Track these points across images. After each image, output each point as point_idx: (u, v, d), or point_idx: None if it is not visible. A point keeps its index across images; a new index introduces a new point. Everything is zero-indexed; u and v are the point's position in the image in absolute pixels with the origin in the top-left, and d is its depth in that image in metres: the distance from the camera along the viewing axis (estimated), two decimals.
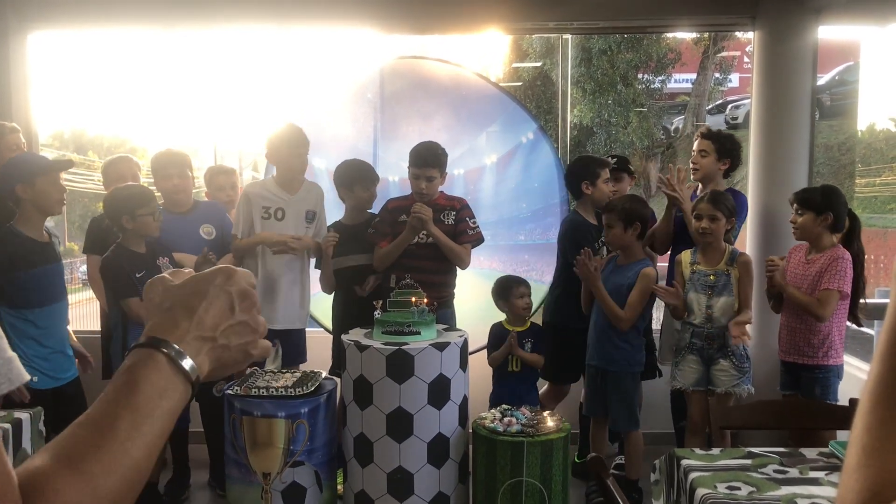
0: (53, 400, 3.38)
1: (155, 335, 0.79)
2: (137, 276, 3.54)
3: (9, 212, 3.47)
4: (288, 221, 4.04)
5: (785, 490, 2.14)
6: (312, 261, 4.21)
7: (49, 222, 3.62)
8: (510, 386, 4.02)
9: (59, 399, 3.43)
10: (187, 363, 0.79)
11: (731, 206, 3.81)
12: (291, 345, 4.11)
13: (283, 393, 3.47)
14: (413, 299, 3.60)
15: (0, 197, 3.44)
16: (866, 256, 3.97)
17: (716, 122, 18.94)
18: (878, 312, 6.72)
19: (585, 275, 3.90)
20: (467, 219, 4.05)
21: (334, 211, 4.31)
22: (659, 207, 4.62)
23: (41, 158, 3.54)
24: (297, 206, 4.06)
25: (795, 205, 3.78)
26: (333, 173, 4.23)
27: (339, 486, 3.82)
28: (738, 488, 2.13)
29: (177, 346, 0.79)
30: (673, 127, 21.24)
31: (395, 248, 3.97)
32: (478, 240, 4.09)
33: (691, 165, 4.29)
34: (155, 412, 0.76)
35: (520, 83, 18.19)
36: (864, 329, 6.79)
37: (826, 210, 3.70)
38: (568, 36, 5.15)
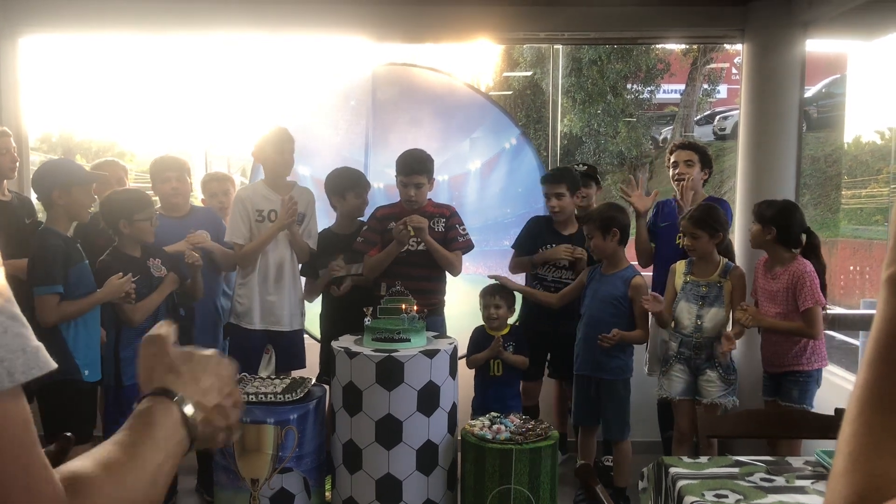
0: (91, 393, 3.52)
1: (169, 388, 0.94)
2: (132, 280, 3.54)
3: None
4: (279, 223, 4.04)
5: (772, 498, 2.16)
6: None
7: None
8: (494, 390, 4.03)
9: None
10: (193, 416, 0.93)
11: (714, 221, 3.81)
12: (289, 349, 4.11)
13: (273, 399, 3.48)
14: (403, 306, 3.61)
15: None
16: (852, 268, 4.01)
17: (704, 133, 19.08)
18: (863, 323, 6.78)
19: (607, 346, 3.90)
20: (457, 226, 4.07)
21: (323, 219, 4.31)
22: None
23: (79, 168, 3.67)
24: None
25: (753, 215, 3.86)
26: (325, 181, 4.24)
27: (328, 493, 3.81)
28: (726, 496, 2.15)
29: (187, 401, 0.93)
30: (661, 137, 21.37)
31: (385, 257, 3.97)
32: (468, 246, 4.10)
33: (677, 177, 4.31)
34: (168, 448, 0.89)
35: (510, 92, 18.26)
36: (849, 339, 6.86)
37: (770, 224, 3.74)
38: (559, 46, 5.19)
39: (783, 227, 3.75)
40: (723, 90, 22.21)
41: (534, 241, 4.27)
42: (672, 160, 4.36)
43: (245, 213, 4.03)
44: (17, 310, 0.70)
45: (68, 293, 3.36)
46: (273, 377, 3.76)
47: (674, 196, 4.33)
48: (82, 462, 0.80)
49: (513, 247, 4.38)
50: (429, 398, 3.46)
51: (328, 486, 3.81)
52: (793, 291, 3.69)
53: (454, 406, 3.61)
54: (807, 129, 17.38)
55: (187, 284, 3.82)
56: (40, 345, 0.71)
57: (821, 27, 4.71)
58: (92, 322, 3.51)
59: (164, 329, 1.03)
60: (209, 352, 1.01)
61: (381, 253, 3.98)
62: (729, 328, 3.83)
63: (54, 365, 0.72)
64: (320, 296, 4.27)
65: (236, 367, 1.04)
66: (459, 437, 3.60)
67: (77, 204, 3.45)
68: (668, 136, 21.01)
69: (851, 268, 12.72)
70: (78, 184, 3.44)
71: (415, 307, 3.62)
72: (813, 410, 3.61)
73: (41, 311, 3.28)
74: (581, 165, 4.60)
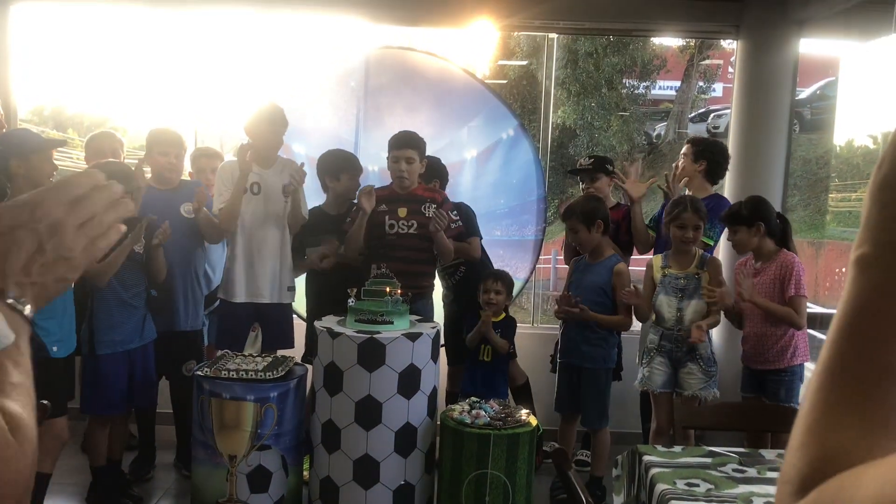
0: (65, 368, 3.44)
1: None
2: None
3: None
4: (264, 195, 4.03)
5: (742, 489, 2.18)
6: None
7: None
8: (482, 375, 4.05)
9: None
10: (16, 303, 0.80)
11: (705, 213, 3.88)
12: (275, 328, 4.08)
13: (253, 376, 3.48)
14: (387, 289, 3.62)
15: None
16: (838, 269, 4.07)
17: (697, 131, 19.08)
18: None
19: (571, 318, 3.95)
20: (449, 212, 4.06)
21: (313, 199, 4.30)
22: (651, 209, 4.68)
23: (36, 136, 3.54)
24: (272, 180, 4.05)
25: (726, 223, 3.86)
26: (317, 162, 4.23)
27: (305, 472, 3.83)
28: (697, 485, 2.17)
29: (3, 290, 0.80)
30: (655, 133, 21.37)
31: (357, 229, 3.95)
32: (459, 234, 4.10)
33: (675, 167, 4.39)
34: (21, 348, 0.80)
35: (505, 81, 18.22)
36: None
37: (755, 221, 3.77)
38: (553, 35, 5.18)
39: (766, 219, 3.78)
40: (718, 88, 22.22)
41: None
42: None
43: (230, 182, 4.01)
44: None
45: None
46: (255, 355, 3.75)
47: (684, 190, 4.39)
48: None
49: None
50: (409, 381, 3.46)
51: (306, 466, 3.82)
52: (780, 282, 3.71)
53: (434, 390, 3.62)
54: (800, 130, 17.45)
55: (150, 265, 3.77)
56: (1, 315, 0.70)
57: (815, 27, 4.74)
58: (61, 298, 3.46)
59: None
60: (21, 203, 0.82)
61: (352, 228, 3.97)
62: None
63: (13, 336, 0.70)
64: (305, 275, 4.27)
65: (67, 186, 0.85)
66: (439, 422, 3.62)
67: (37, 172, 3.33)
68: (662, 133, 21.03)
69: (838, 270, 12.80)
70: (35, 151, 3.34)
71: (398, 290, 3.62)
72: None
73: None
74: (588, 159, 4.57)
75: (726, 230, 4.04)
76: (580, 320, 3.94)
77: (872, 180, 0.62)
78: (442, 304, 4.37)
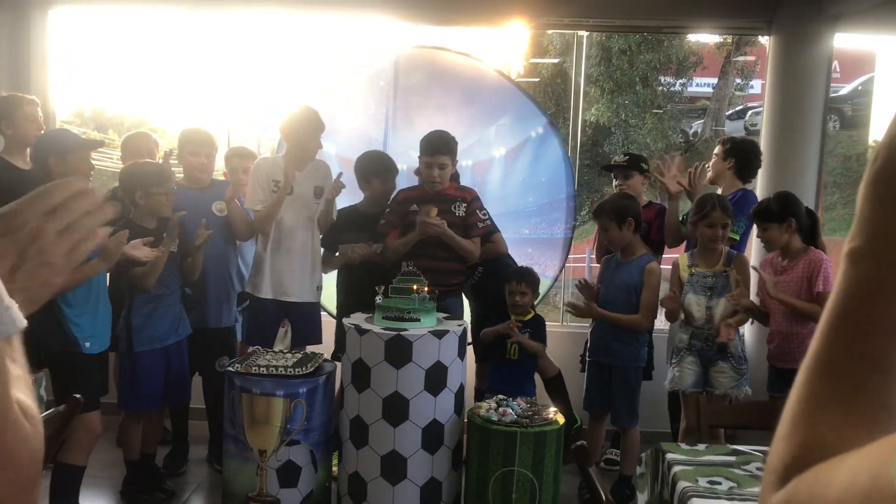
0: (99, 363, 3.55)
1: None
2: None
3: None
4: (296, 196, 4.08)
5: None
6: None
7: None
8: (509, 373, 4.05)
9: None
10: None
11: (732, 211, 3.85)
12: (304, 324, 4.14)
13: (283, 372, 3.52)
14: (414, 286, 3.64)
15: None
16: None
17: (735, 128, 18.84)
18: None
19: (584, 315, 3.98)
20: (478, 211, 4.06)
21: (354, 197, 4.36)
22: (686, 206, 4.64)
23: (74, 136, 3.66)
24: (305, 182, 4.10)
25: (755, 220, 3.81)
26: (355, 163, 4.28)
27: (334, 468, 3.87)
28: (719, 483, 2.16)
29: None
30: (692, 131, 21.14)
31: (405, 244, 3.99)
32: (488, 232, 4.10)
33: (699, 164, 4.36)
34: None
35: (538, 79, 18.16)
36: None
37: (786, 217, 3.71)
38: (583, 32, 5.16)
39: (797, 215, 3.73)
40: (756, 85, 21.91)
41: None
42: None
43: (263, 182, 4.08)
44: None
45: None
46: (285, 351, 3.80)
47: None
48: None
49: None
50: (436, 378, 3.48)
51: (335, 462, 3.86)
52: (808, 280, 3.66)
53: (461, 387, 3.64)
54: (841, 126, 17.13)
55: (186, 263, 3.84)
56: (12, 302, 0.73)
57: (850, 21, 4.66)
58: (95, 296, 3.53)
59: None
60: (6, 211, 0.84)
61: (401, 240, 4.00)
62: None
63: (25, 322, 0.73)
64: (335, 273, 4.32)
65: (70, 185, 0.88)
66: (466, 419, 3.63)
67: (74, 171, 3.42)
68: (699, 130, 20.79)
69: None
70: (73, 150, 3.43)
71: (425, 288, 3.64)
72: None
73: None
74: (623, 156, 4.56)
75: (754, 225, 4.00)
76: (590, 317, 3.94)
77: (867, 173, 0.62)
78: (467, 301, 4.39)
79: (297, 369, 3.54)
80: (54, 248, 0.86)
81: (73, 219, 0.88)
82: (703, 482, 2.16)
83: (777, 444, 0.62)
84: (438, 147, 3.96)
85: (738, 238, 4.11)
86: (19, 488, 0.73)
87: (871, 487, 0.48)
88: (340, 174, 4.07)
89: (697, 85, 21.10)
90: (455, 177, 4.23)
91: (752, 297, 3.95)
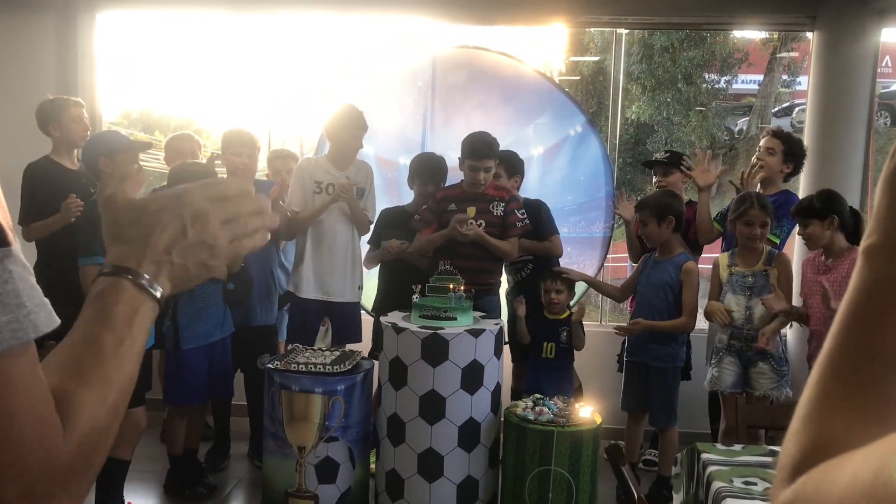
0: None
1: (118, 263, 0.85)
2: None
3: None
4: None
5: None
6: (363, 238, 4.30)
7: None
8: (546, 372, 4.05)
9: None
10: (148, 283, 0.84)
11: (772, 209, 3.79)
12: (345, 322, 4.20)
13: (322, 370, 3.57)
14: (451, 285, 3.66)
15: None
16: None
17: (781, 125, 18.49)
18: None
19: (632, 333, 3.97)
20: (516, 211, 4.06)
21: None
22: (719, 204, 4.60)
23: (123, 137, 3.74)
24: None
25: (797, 217, 3.73)
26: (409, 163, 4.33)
27: (372, 465, 3.90)
28: (755, 483, 2.14)
29: (138, 271, 0.84)
30: (737, 128, 20.83)
31: (431, 242, 4.01)
32: (526, 231, 4.11)
33: (756, 162, 4.24)
34: (131, 329, 0.82)
35: (578, 77, 18.06)
36: None
37: (828, 213, 3.63)
38: (622, 30, 5.13)
39: (840, 212, 3.66)
40: (803, 82, 21.49)
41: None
42: (759, 145, 4.31)
43: (305, 182, 4.13)
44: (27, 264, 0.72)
45: None
46: (324, 349, 3.85)
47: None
48: (52, 379, 0.75)
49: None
50: (472, 376, 3.50)
51: (372, 459, 3.90)
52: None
53: (498, 386, 3.65)
54: (892, 123, 16.68)
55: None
56: (47, 301, 0.74)
57: None
58: None
59: (115, 190, 0.91)
60: (169, 195, 0.88)
61: (433, 235, 4.02)
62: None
63: (58, 321, 0.74)
64: (377, 273, 4.35)
65: (234, 184, 0.91)
66: (503, 418, 3.64)
67: (122, 172, 3.48)
68: (745, 128, 20.48)
69: None
70: (121, 151, 3.50)
71: (462, 286, 3.66)
72: None
73: (85, 280, 3.34)
74: (664, 153, 4.54)
75: (795, 227, 3.93)
76: (642, 332, 3.91)
77: (884, 170, 0.62)
78: (505, 300, 4.39)
79: (335, 367, 3.58)
80: (217, 232, 0.88)
81: (239, 214, 0.90)
82: (738, 482, 2.14)
83: (788, 440, 0.62)
84: (484, 151, 3.96)
85: (777, 241, 4.04)
86: (34, 497, 0.70)
87: (873, 483, 0.49)
88: (347, 177, 4.09)
89: (743, 82, 20.78)
90: (519, 168, 4.31)
91: (795, 296, 3.88)
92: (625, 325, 3.97)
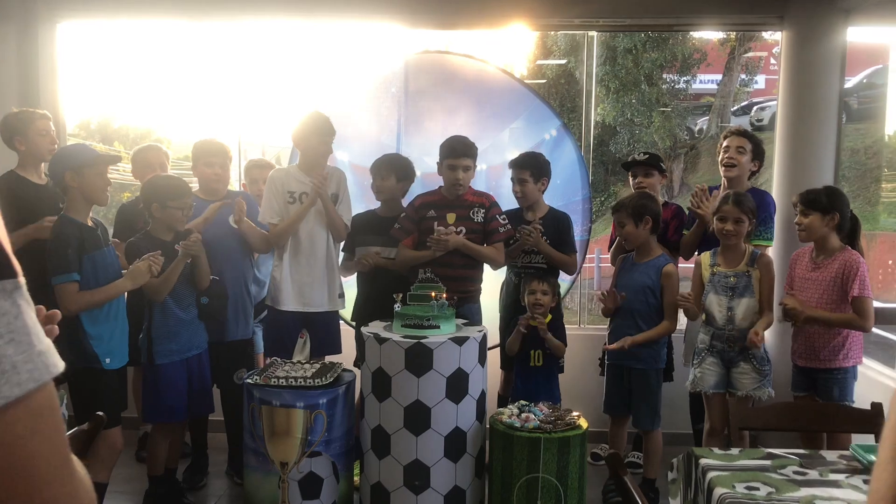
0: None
1: None
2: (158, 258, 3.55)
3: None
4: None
5: (804, 492, 2.12)
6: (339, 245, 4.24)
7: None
8: (534, 380, 4.01)
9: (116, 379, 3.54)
10: None
11: (753, 207, 3.79)
12: (323, 334, 4.13)
13: (303, 383, 3.49)
14: (433, 293, 3.61)
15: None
16: (890, 261, 3.94)
17: (741, 124, 18.77)
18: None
19: (623, 349, 3.89)
20: (497, 216, 4.04)
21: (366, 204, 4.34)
22: (683, 205, 4.59)
23: (91, 150, 3.61)
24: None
25: (800, 205, 3.74)
26: (370, 166, 4.27)
27: (356, 478, 3.83)
28: (757, 488, 2.12)
29: None
30: (697, 128, 21.08)
31: (419, 258, 3.97)
32: (509, 237, 4.08)
33: (727, 161, 4.25)
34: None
35: (543, 80, 18.13)
36: (886, 334, 6.74)
37: (832, 210, 3.66)
38: (593, 33, 5.13)
39: (842, 212, 3.68)
40: (760, 80, 21.84)
41: None
42: (724, 145, 4.32)
43: (277, 194, 4.06)
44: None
45: (85, 281, 3.33)
46: (303, 362, 3.78)
47: (719, 184, 4.30)
48: None
49: None
50: (457, 385, 3.45)
51: (356, 471, 3.83)
52: (841, 281, 3.60)
53: (483, 393, 3.61)
54: (847, 120, 16.99)
55: (194, 272, 3.79)
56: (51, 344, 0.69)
57: (862, 14, 4.62)
58: (115, 311, 3.51)
59: None
60: None
61: (417, 253, 3.99)
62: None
63: (62, 365, 0.69)
64: (356, 281, 4.29)
65: None
66: (488, 425, 3.60)
67: (90, 186, 3.40)
68: (704, 127, 20.74)
69: (890, 261, 12.49)
70: (89, 165, 3.39)
71: (444, 294, 3.61)
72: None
73: (60, 300, 3.25)
74: (642, 154, 4.54)
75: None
76: (628, 348, 3.88)
77: None
78: (499, 304, 4.37)
79: (316, 380, 3.51)
80: None
81: None
82: (740, 488, 2.12)
83: (882, 468, 0.59)
84: (461, 150, 3.97)
85: (770, 244, 4.07)
86: None
87: None
88: (319, 173, 4.01)
89: (701, 82, 21.05)
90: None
91: (776, 301, 3.88)
92: (614, 346, 3.92)
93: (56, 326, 0.76)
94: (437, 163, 4.04)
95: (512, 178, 4.21)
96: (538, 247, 4.09)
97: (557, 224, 4.24)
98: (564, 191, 4.78)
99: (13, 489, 0.63)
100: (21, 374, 0.62)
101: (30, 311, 0.66)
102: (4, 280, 0.64)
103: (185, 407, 3.79)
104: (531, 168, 4.18)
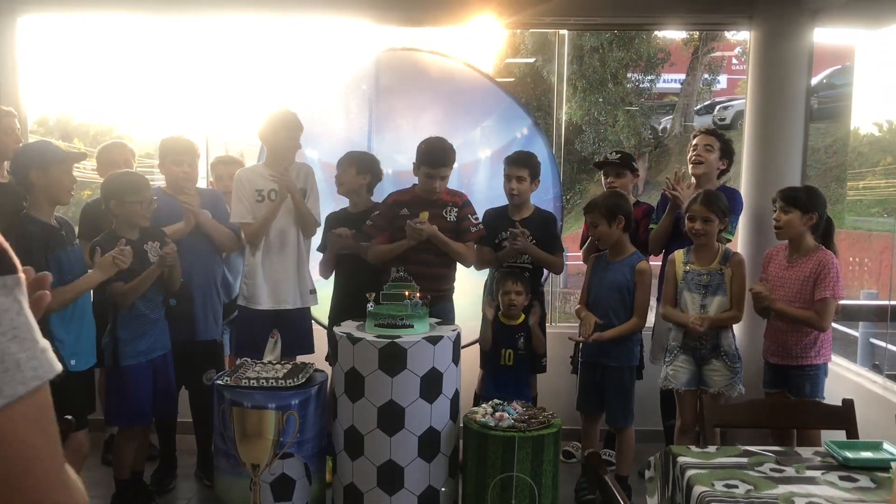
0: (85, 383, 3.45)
1: None
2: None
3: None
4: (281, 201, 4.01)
5: (782, 489, 2.13)
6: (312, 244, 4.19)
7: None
8: (503, 380, 4.00)
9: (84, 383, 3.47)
10: None
11: (724, 206, 3.81)
12: (295, 333, 4.07)
13: (274, 384, 3.45)
14: (406, 292, 3.58)
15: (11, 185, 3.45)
16: (852, 259, 4.00)
17: (703, 123, 18.99)
18: (863, 314, 6.75)
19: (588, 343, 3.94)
20: (469, 216, 4.02)
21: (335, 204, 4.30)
22: (651, 203, 4.62)
23: (57, 148, 3.52)
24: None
25: (780, 202, 3.77)
26: (336, 163, 4.23)
27: (328, 476, 3.79)
28: (736, 486, 2.13)
29: None
30: (661, 127, 21.30)
31: (393, 249, 3.94)
32: (481, 236, 4.07)
33: (694, 159, 4.29)
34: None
35: (512, 79, 18.17)
36: (848, 330, 6.85)
37: (811, 210, 3.70)
38: (564, 31, 5.13)
39: (820, 212, 3.71)
40: (723, 80, 22.14)
41: (492, 231, 4.22)
42: (693, 143, 4.35)
43: (245, 193, 4.00)
44: None
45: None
46: (274, 362, 3.73)
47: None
48: None
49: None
50: (431, 385, 3.43)
51: (328, 467, 3.79)
52: (813, 280, 3.64)
53: (457, 393, 3.59)
54: (811, 118, 17.31)
55: (164, 274, 3.73)
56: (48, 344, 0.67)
57: (829, 15, 4.68)
58: (80, 311, 3.43)
59: None
60: None
61: (391, 245, 3.95)
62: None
63: (59, 367, 0.67)
64: (333, 280, 4.25)
65: None
66: (462, 425, 3.58)
67: (56, 185, 3.33)
68: (668, 126, 20.96)
69: (851, 259, 12.71)
70: (55, 163, 3.32)
71: (417, 293, 3.59)
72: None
73: None
74: (614, 154, 4.55)
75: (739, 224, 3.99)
76: (587, 342, 3.91)
77: None
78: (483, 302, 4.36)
79: (288, 381, 3.47)
80: None
81: None
82: (719, 486, 2.13)
83: None
84: (440, 159, 3.92)
85: (731, 238, 4.10)
86: None
87: None
88: (283, 168, 3.95)
89: (665, 81, 21.28)
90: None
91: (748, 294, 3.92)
92: (580, 338, 3.95)
93: (48, 293, 0.74)
94: (414, 163, 4.00)
95: (506, 175, 4.18)
96: (527, 251, 4.10)
97: (545, 224, 4.24)
98: (537, 190, 4.77)
99: (15, 490, 0.61)
100: (25, 372, 0.61)
101: (28, 308, 0.65)
102: (5, 276, 0.62)
103: (150, 410, 3.72)
104: (530, 167, 4.18)
